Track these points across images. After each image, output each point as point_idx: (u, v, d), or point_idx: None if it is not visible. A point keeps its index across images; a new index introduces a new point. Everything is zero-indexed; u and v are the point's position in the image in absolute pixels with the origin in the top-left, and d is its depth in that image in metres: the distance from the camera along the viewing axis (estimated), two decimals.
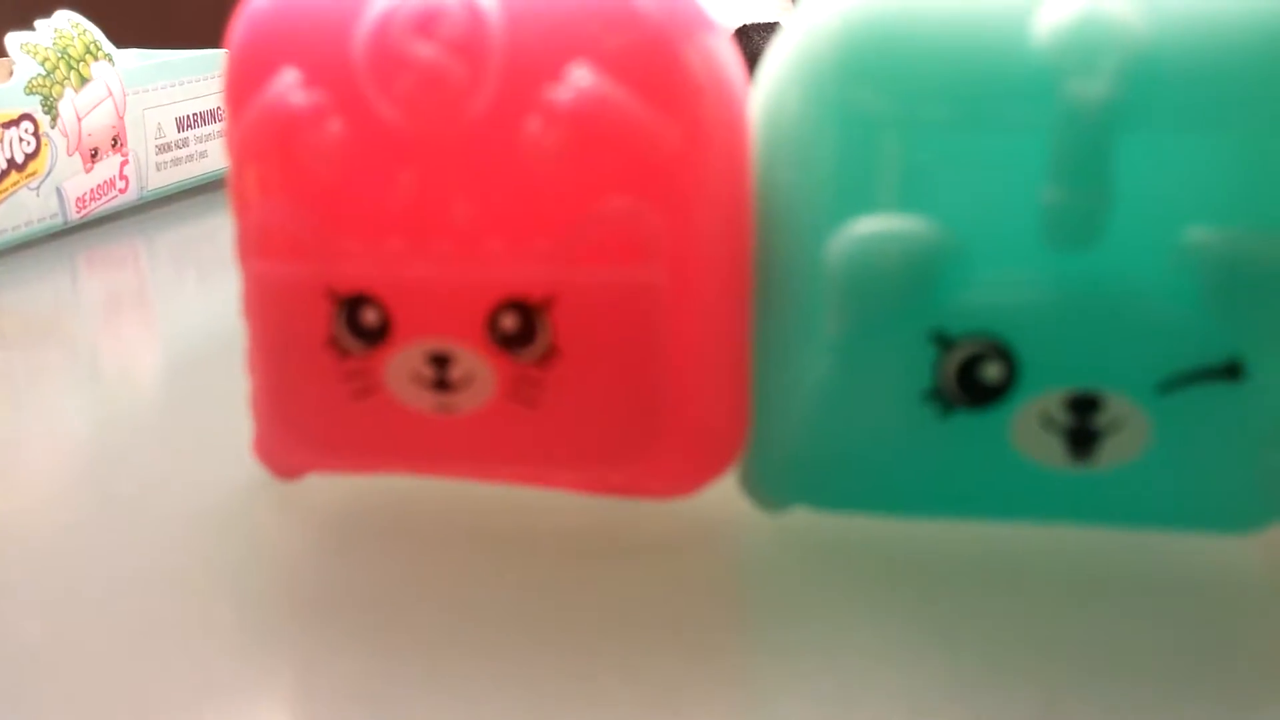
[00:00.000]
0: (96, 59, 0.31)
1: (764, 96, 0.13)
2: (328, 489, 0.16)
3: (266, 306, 0.14)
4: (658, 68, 0.12)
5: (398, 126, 0.13)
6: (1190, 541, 0.14)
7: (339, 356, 0.14)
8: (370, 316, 0.13)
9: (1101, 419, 0.12)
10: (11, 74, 0.29)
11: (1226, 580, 0.14)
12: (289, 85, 0.13)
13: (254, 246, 0.14)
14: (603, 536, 0.15)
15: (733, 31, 0.36)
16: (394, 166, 0.13)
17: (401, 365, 0.13)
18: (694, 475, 0.14)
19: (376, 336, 0.13)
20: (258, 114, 0.13)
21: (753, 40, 0.35)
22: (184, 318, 0.26)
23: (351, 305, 0.13)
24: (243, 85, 0.13)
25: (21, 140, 0.29)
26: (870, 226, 0.12)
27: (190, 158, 0.35)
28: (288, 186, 0.13)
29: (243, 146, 0.14)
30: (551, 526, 0.15)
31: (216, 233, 0.33)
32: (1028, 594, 0.13)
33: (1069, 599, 0.13)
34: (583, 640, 0.13)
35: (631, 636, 0.13)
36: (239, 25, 0.14)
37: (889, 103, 0.12)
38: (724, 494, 0.14)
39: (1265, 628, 0.13)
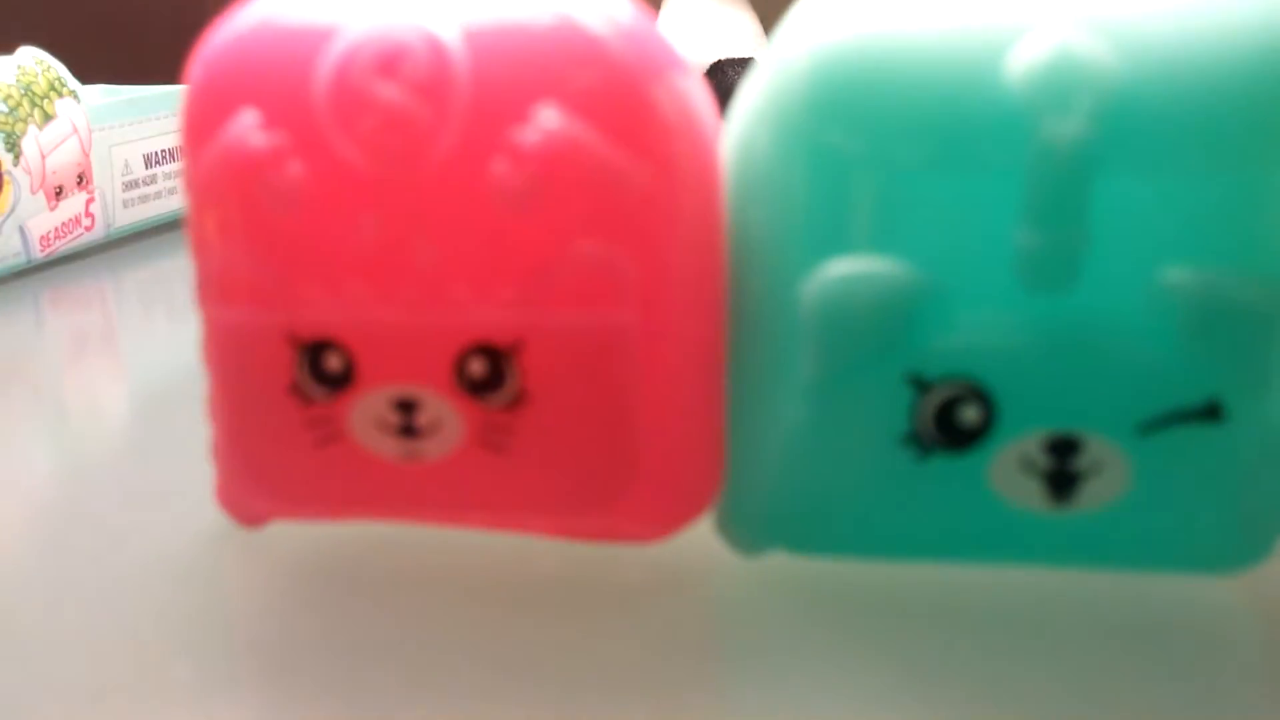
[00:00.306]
0: (61, 95, 0.31)
1: (735, 135, 0.13)
2: (292, 537, 0.15)
3: (226, 353, 0.14)
4: (627, 108, 0.12)
5: (360, 169, 0.12)
6: (1173, 584, 0.14)
7: (301, 403, 0.13)
8: (333, 362, 0.13)
9: (1081, 461, 0.12)
10: None
11: (1210, 623, 0.13)
12: (248, 126, 0.13)
13: (213, 292, 0.14)
14: (574, 583, 0.14)
15: (707, 67, 0.36)
16: (356, 209, 0.12)
17: (366, 411, 0.13)
18: (668, 519, 0.14)
19: (340, 382, 0.13)
20: (216, 155, 0.13)
21: (727, 76, 0.36)
22: (152, 358, 0.26)
23: (314, 351, 0.13)
24: (201, 126, 0.13)
25: None
26: (844, 268, 0.12)
27: (159, 195, 0.35)
28: (247, 230, 0.13)
29: (201, 189, 0.13)
30: (522, 573, 0.15)
31: (186, 271, 0.33)
32: (1010, 641, 0.13)
33: (1052, 645, 0.13)
34: (554, 687, 0.12)
35: (605, 685, 0.12)
36: (196, 64, 0.13)
37: (859, 142, 0.12)
38: (699, 539, 0.14)
39: (1250, 670, 0.13)
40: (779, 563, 0.14)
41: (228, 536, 0.16)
